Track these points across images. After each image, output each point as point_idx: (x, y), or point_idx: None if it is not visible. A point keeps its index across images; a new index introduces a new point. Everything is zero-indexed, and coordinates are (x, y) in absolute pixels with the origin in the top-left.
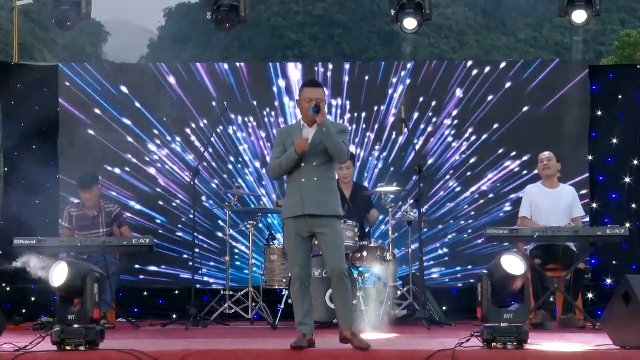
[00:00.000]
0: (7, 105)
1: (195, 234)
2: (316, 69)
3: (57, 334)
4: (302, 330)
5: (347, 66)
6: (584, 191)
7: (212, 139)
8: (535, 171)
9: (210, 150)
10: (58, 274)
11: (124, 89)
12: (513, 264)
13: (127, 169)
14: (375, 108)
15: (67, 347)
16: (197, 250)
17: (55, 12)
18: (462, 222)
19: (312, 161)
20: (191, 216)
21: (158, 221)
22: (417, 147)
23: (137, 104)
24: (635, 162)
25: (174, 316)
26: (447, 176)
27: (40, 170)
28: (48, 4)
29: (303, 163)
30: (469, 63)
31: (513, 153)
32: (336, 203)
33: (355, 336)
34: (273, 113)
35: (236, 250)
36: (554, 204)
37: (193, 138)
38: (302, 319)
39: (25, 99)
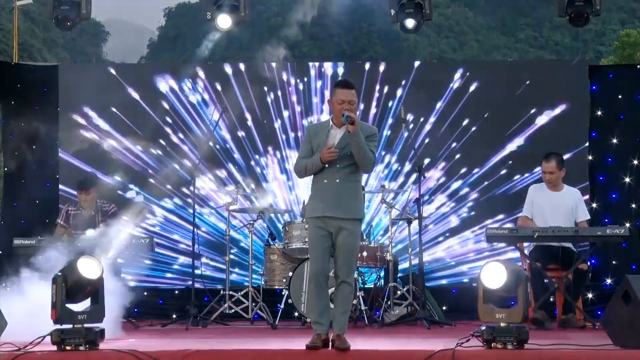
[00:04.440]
0: (7, 105)
1: (195, 233)
2: (315, 69)
3: (57, 334)
4: (317, 330)
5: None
6: (584, 190)
7: (211, 140)
8: (537, 171)
9: (211, 149)
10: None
11: (123, 89)
12: (488, 275)
13: (127, 168)
14: (377, 107)
15: (67, 347)
16: (197, 250)
17: (55, 12)
18: (462, 222)
19: (337, 163)
20: (191, 218)
21: (157, 221)
22: (417, 147)
23: (137, 104)
24: (635, 162)
25: (174, 316)
26: (448, 176)
27: (40, 170)
28: (48, 4)
29: (327, 165)
30: (469, 63)
31: (514, 153)
32: (357, 206)
33: (340, 337)
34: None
35: (236, 250)
36: (555, 206)
37: (193, 138)
38: (317, 318)
39: (25, 99)
